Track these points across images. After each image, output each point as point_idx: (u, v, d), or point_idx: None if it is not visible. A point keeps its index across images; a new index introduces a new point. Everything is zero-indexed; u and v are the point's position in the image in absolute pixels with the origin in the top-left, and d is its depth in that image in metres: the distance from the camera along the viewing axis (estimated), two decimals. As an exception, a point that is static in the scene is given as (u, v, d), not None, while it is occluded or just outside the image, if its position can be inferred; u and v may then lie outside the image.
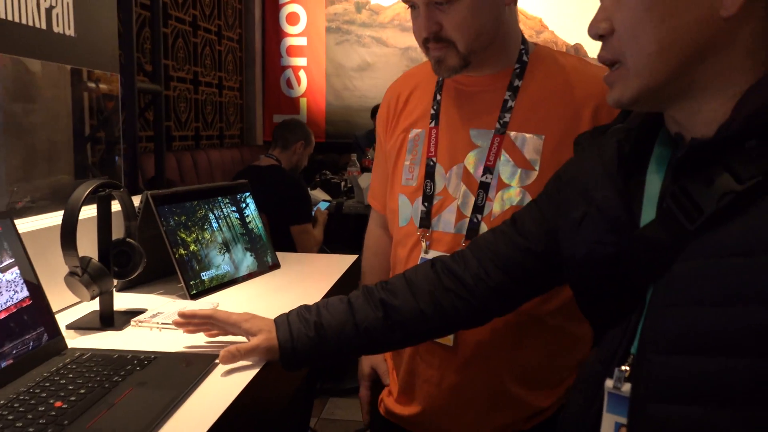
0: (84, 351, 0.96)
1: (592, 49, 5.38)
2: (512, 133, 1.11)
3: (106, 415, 0.76)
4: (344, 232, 3.62)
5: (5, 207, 1.35)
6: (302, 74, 5.97)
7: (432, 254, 1.13)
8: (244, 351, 0.95)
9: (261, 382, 0.95)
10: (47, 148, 2.83)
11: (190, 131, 4.76)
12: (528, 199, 1.07)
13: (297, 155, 3.05)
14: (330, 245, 3.39)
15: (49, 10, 1.20)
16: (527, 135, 1.10)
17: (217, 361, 0.95)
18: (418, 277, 0.98)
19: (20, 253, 0.96)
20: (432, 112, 1.19)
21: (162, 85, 3.30)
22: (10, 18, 1.11)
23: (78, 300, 1.18)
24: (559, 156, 1.06)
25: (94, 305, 1.16)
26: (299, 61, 5.96)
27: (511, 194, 1.10)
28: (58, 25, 1.21)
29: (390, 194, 1.25)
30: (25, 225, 1.18)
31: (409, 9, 1.10)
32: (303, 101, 6.00)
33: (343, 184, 3.90)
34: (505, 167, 1.10)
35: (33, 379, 0.85)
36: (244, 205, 1.59)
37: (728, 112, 0.64)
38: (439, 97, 1.20)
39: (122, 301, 1.30)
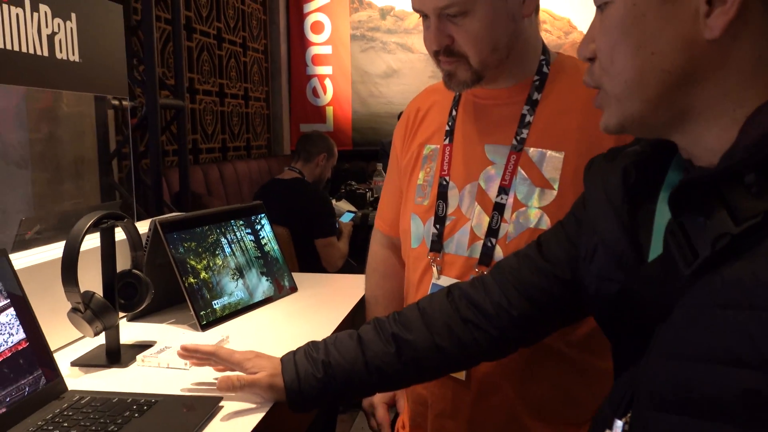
0: (84, 394, 0.92)
1: (624, 48, 5.23)
2: (530, 150, 1.03)
3: (95, 474, 0.71)
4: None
5: (12, 238, 1.33)
6: (328, 83, 5.94)
7: (444, 280, 1.07)
8: (245, 382, 0.89)
9: (267, 428, 0.89)
10: (73, 167, 2.85)
11: (216, 143, 4.77)
12: (546, 220, 1.00)
13: (320, 167, 3.00)
14: (356, 257, 3.33)
15: (51, 37, 1.17)
16: (546, 152, 1.03)
17: (221, 404, 0.90)
18: (433, 307, 0.91)
19: (16, 291, 0.92)
20: (447, 128, 1.13)
21: (185, 99, 3.29)
22: (9, 47, 1.08)
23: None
24: (581, 174, 1.00)
25: (102, 338, 1.12)
26: (325, 70, 5.94)
27: (528, 215, 1.02)
28: (61, 52, 1.18)
29: (403, 213, 1.18)
30: (30, 258, 1.15)
31: (421, 18, 1.04)
32: (329, 110, 5.97)
33: (369, 194, 3.84)
34: (521, 186, 1.03)
35: (26, 428, 0.81)
36: (259, 226, 1.54)
37: (733, 138, 0.57)
38: (455, 113, 1.13)
39: (131, 332, 1.26)
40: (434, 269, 1.08)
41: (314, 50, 5.91)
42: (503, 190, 1.04)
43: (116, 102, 2.94)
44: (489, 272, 0.91)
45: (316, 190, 2.89)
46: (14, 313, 0.90)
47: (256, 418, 0.88)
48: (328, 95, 5.95)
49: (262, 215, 1.56)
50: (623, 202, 0.67)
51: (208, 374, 1.00)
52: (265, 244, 1.53)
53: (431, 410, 1.09)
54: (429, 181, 1.13)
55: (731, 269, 0.52)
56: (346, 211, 3.49)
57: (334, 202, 3.69)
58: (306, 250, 2.75)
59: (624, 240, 0.66)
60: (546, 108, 1.05)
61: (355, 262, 3.28)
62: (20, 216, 2.53)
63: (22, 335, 0.89)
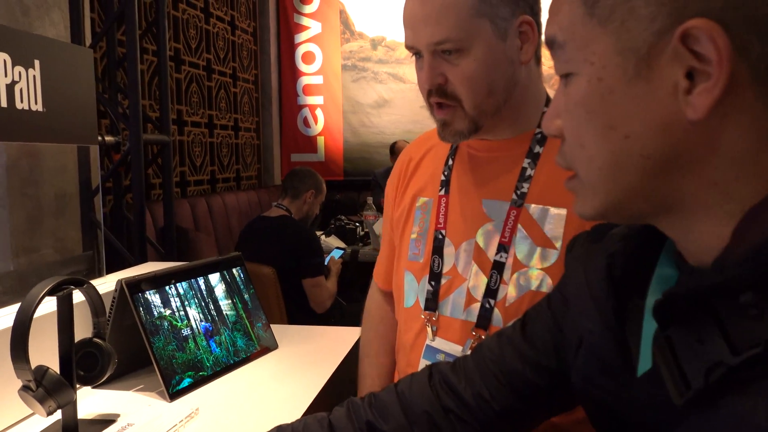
0: (29, 488, 0.83)
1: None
2: (531, 206, 0.96)
3: None
4: (360, 280, 3.48)
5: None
6: (319, 113, 5.90)
7: (439, 342, 0.99)
8: None
9: None
10: (53, 204, 2.76)
11: (205, 175, 4.70)
12: (548, 283, 0.93)
13: (308, 204, 2.93)
14: (344, 295, 3.24)
15: (10, 86, 1.10)
16: (548, 208, 0.95)
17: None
18: (413, 392, 0.82)
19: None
20: (443, 177, 1.05)
21: (170, 133, 3.22)
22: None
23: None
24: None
25: (59, 413, 1.03)
26: (316, 100, 5.90)
27: (529, 277, 0.94)
28: (22, 101, 1.11)
29: (396, 270, 1.12)
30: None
31: (414, 57, 0.97)
32: (320, 139, 5.92)
33: (359, 228, 3.76)
34: (522, 245, 0.95)
35: None
36: (236, 280, 1.46)
37: (728, 236, 0.47)
38: (451, 162, 1.06)
39: (93, 402, 1.16)
40: (429, 330, 1.00)
41: (305, 80, 5.88)
42: (503, 247, 0.96)
43: (99, 138, 2.87)
44: (471, 354, 0.83)
45: (304, 229, 2.81)
46: (-48, 399, 0.81)
47: None
48: (319, 125, 5.90)
49: (240, 267, 1.48)
50: (608, 298, 0.57)
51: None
52: (243, 299, 1.45)
53: None
54: (423, 235, 1.05)
55: (730, 405, 0.43)
56: (335, 248, 3.41)
57: (323, 238, 3.60)
58: (293, 290, 2.66)
59: (609, 345, 0.56)
60: (548, 162, 0.97)
61: (344, 302, 3.19)
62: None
63: (-41, 425, 0.80)
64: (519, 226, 0.96)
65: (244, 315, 1.42)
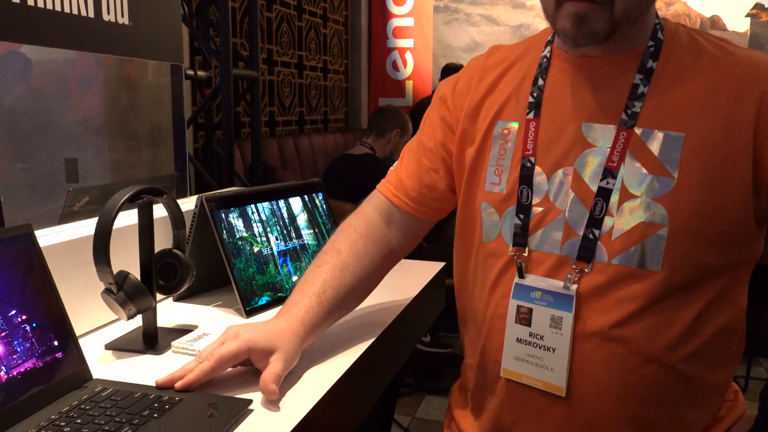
0: (107, 385, 0.85)
1: (732, 21, 4.79)
2: (640, 130, 0.86)
3: (93, 488, 0.63)
4: (438, 222, 3.43)
5: (61, 210, 1.28)
6: (408, 56, 5.78)
7: (531, 279, 0.91)
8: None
9: (307, 430, 0.79)
10: (149, 136, 2.86)
11: (294, 116, 4.74)
12: (662, 214, 0.83)
13: (392, 144, 2.88)
14: (425, 237, 3.20)
15: (97, -3, 1.10)
16: (662, 131, 0.85)
17: (250, 408, 0.81)
18: None
19: (40, 270, 0.85)
20: (531, 100, 0.94)
21: (259, 71, 3.24)
22: (51, 7, 1.01)
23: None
24: (703, 160, 0.82)
25: (140, 320, 1.05)
26: (406, 43, 5.77)
27: (638, 208, 0.84)
28: (108, 13, 1.11)
29: (467, 200, 1.01)
30: (66, 233, 1.10)
31: None
32: (409, 84, 5.82)
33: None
34: (631, 172, 0.85)
35: (37, 423, 0.74)
36: (316, 206, 1.44)
37: None
38: (541, 82, 0.94)
39: (173, 313, 1.19)
40: (518, 267, 0.92)
41: (396, 22, 5.75)
42: (610, 173, 0.86)
43: (191, 72, 2.92)
44: None
45: (386, 167, 2.77)
46: (36, 295, 0.83)
47: (290, 423, 0.78)
48: (408, 69, 5.79)
49: (320, 194, 1.46)
50: None
51: (242, 367, 0.92)
52: (322, 224, 1.43)
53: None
54: (505, 164, 0.95)
55: None
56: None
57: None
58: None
59: None
60: (662, 80, 0.87)
61: (425, 243, 3.15)
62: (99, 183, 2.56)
63: (44, 320, 0.83)
64: (627, 151, 0.86)
65: (324, 240, 1.40)
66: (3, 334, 0.77)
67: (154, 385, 0.85)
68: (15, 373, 0.77)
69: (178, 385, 0.83)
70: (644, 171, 0.85)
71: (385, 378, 1.21)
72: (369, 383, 1.09)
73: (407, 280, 1.40)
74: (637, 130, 0.86)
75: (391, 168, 1.14)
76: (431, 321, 1.56)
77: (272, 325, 0.91)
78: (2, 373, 0.75)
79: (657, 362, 0.85)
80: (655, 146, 0.85)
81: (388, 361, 1.19)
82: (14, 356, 0.77)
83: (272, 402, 0.82)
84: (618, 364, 0.85)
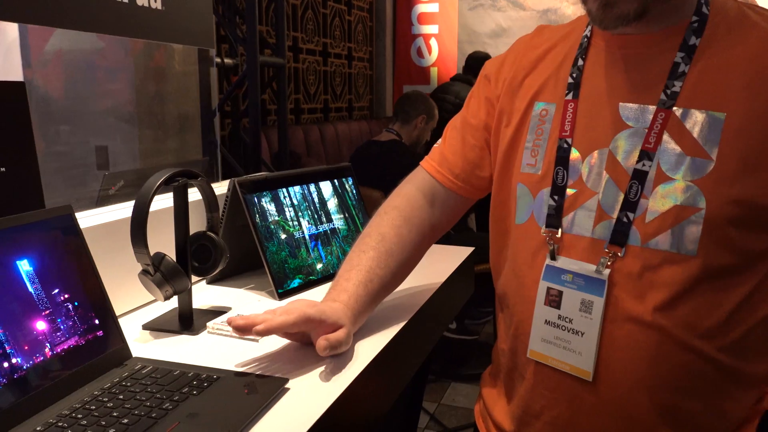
0: (146, 363, 0.87)
1: None
2: (680, 110, 0.83)
3: (138, 461, 0.64)
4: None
5: (97, 193, 1.31)
6: (433, 42, 5.75)
7: (563, 261, 0.89)
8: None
9: (340, 409, 0.80)
10: (177, 124, 2.89)
11: (318, 104, 4.74)
12: (700, 198, 0.80)
13: (418, 130, 2.87)
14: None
15: (131, -18, 1.11)
16: (702, 112, 0.82)
17: (287, 386, 0.82)
18: None
19: (81, 251, 0.87)
20: (570, 80, 0.92)
21: (284, 57, 3.25)
22: (87, -9, 1.03)
23: (160, 296, 1.10)
24: (744, 142, 0.79)
25: (175, 302, 1.07)
26: (431, 29, 5.74)
27: (675, 189, 0.82)
28: (141, -1, 1.12)
29: (502, 182, 1.00)
30: (103, 215, 1.12)
31: None
32: (434, 71, 5.79)
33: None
34: (667, 154, 0.83)
35: (81, 398, 0.76)
36: (346, 190, 1.44)
37: None
38: (581, 62, 0.92)
39: (208, 295, 1.21)
40: (550, 249, 0.90)
41: (420, 8, 5.72)
42: (646, 154, 0.84)
43: (218, 59, 2.94)
44: None
45: (411, 153, 2.77)
46: (77, 274, 0.85)
47: (325, 403, 0.79)
48: (433, 55, 5.76)
49: (350, 178, 1.46)
50: None
51: (278, 346, 0.93)
52: (352, 209, 1.44)
53: (539, 418, 0.93)
54: (541, 144, 0.93)
55: None
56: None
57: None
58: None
59: None
60: (704, 58, 0.84)
61: (452, 230, 3.15)
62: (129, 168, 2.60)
63: (86, 299, 0.85)
64: (665, 132, 0.83)
65: (354, 230, 1.41)
66: (47, 312, 0.78)
67: (190, 363, 0.86)
68: (59, 350, 0.78)
69: (258, 327, 0.84)
70: (682, 153, 0.82)
71: (416, 361, 1.21)
72: (400, 366, 1.09)
73: (438, 264, 1.40)
74: (676, 111, 0.83)
75: (435, 145, 1.13)
76: (460, 306, 1.56)
77: (332, 306, 0.93)
78: (47, 349, 0.77)
79: (693, 351, 0.82)
80: (694, 127, 0.82)
81: (419, 345, 1.20)
82: (58, 334, 0.79)
83: (307, 382, 0.83)
84: (651, 352, 0.83)
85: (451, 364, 3.17)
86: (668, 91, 0.84)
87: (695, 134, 0.82)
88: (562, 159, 0.91)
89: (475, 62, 4.49)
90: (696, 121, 0.82)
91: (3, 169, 0.88)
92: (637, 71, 0.88)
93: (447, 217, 1.11)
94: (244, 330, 0.85)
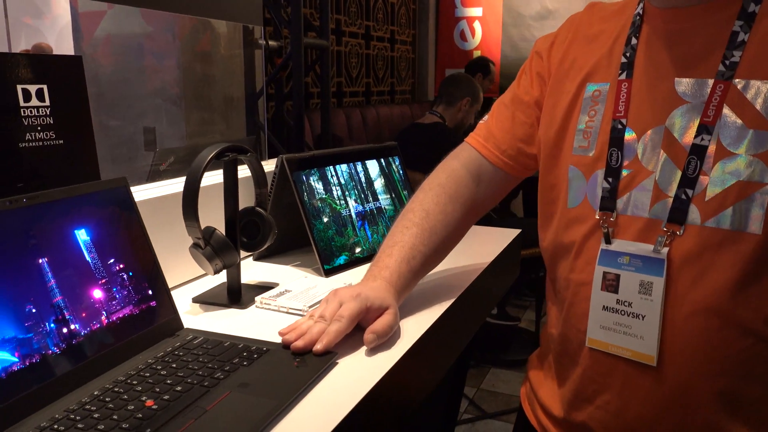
0: (198, 334, 0.88)
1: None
2: (740, 82, 0.79)
3: (192, 426, 0.65)
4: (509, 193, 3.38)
5: (149, 169, 1.33)
6: (477, 25, 5.66)
7: (618, 244, 0.86)
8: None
9: (387, 386, 0.80)
10: (222, 105, 2.93)
11: (361, 87, 4.73)
12: (763, 172, 0.76)
13: (462, 112, 2.84)
14: (495, 208, 3.17)
15: (182, -42, 1.12)
16: (764, 83, 0.78)
17: (336, 361, 0.82)
18: None
19: (136, 224, 0.89)
20: (624, 60, 0.90)
21: (328, 40, 3.24)
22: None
23: (209, 270, 1.11)
24: None
25: (224, 277, 1.08)
26: (474, 12, 5.65)
27: (736, 166, 0.78)
28: (192, -25, 1.13)
29: (551, 165, 0.97)
30: (154, 190, 1.13)
31: None
32: (477, 54, 5.70)
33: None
34: (728, 128, 0.79)
35: (135, 366, 0.78)
36: (392, 169, 1.44)
37: None
38: (635, 41, 0.90)
39: (255, 271, 1.22)
40: (604, 232, 0.87)
41: (464, -10, 5.64)
42: (705, 128, 0.80)
43: (263, 42, 2.96)
44: None
45: (456, 136, 2.74)
46: (132, 246, 0.87)
47: (373, 379, 0.79)
48: (477, 39, 5.67)
49: (396, 158, 1.45)
50: None
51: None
52: (398, 188, 1.43)
53: (591, 402, 0.91)
54: (595, 127, 0.91)
55: None
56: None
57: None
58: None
59: None
60: (765, 24, 0.80)
61: (494, 214, 3.12)
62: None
63: (140, 270, 0.86)
64: (725, 104, 0.80)
65: (400, 210, 1.40)
66: (103, 281, 0.80)
67: (239, 336, 0.87)
68: (114, 318, 0.80)
69: (317, 347, 0.82)
70: (744, 125, 0.79)
71: (461, 343, 1.20)
72: (445, 347, 1.08)
73: (486, 246, 1.38)
74: (737, 82, 0.80)
75: (481, 121, 1.11)
76: (506, 289, 1.54)
77: (375, 286, 0.93)
78: (103, 317, 0.79)
79: (756, 335, 0.79)
80: (756, 98, 0.78)
81: (464, 326, 1.19)
82: (113, 302, 0.81)
83: (354, 358, 0.83)
84: (712, 336, 0.80)
85: (492, 349, 3.16)
86: (727, 62, 0.80)
87: (758, 106, 0.78)
88: (616, 140, 0.88)
89: (475, 68, 4.58)
90: (759, 91, 0.78)
91: (61, 141, 0.90)
92: (691, 44, 0.84)
93: (491, 195, 1.09)
94: (303, 350, 0.83)
